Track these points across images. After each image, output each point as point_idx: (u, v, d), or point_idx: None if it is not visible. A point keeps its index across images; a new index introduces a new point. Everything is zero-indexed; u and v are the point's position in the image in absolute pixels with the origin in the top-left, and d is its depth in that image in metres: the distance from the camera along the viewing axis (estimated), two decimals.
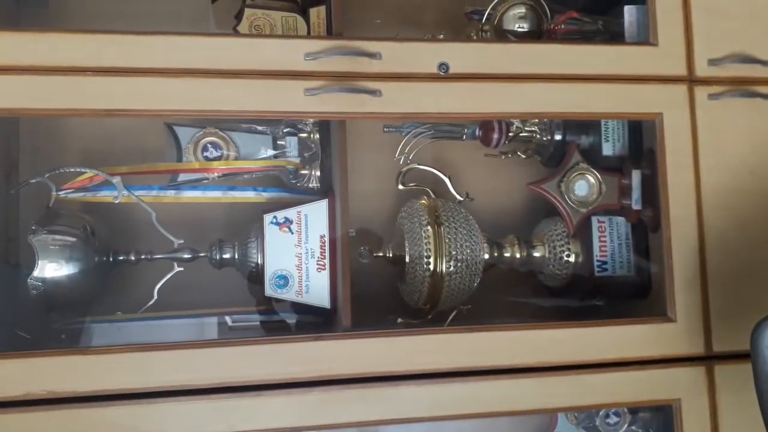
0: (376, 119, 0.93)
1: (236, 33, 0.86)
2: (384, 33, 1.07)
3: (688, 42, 0.93)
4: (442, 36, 1.08)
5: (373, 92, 0.84)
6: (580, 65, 0.90)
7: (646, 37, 0.97)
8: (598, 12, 1.08)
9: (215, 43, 0.81)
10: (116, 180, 0.89)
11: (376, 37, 0.85)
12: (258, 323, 0.96)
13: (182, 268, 0.89)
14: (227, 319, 0.93)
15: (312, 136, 0.95)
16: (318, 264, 0.88)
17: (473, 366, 0.81)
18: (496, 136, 1.04)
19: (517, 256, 1.01)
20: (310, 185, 0.95)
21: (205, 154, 0.91)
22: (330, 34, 0.87)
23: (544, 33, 0.99)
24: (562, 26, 0.99)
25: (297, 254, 0.88)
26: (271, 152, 0.93)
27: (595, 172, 0.97)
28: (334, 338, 0.80)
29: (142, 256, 0.91)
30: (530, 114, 0.95)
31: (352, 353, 0.79)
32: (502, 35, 0.99)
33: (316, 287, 0.87)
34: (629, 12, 0.99)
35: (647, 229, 0.99)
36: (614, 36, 1.02)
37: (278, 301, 0.90)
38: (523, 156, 1.10)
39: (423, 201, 0.99)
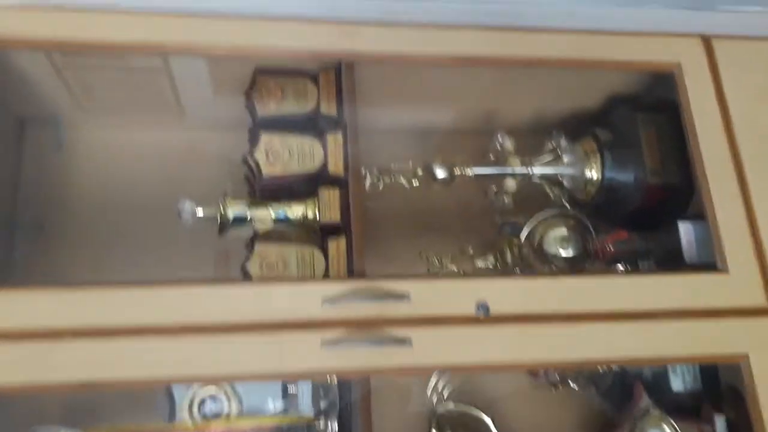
0: (406, 374, 0.79)
1: (245, 279, 0.76)
2: (409, 254, 0.99)
3: (762, 267, 0.81)
4: (471, 252, 0.99)
5: (401, 341, 0.71)
6: (641, 299, 0.77)
7: (707, 256, 0.86)
8: (647, 227, 0.99)
9: (220, 292, 0.71)
10: None
11: (403, 274, 0.75)
12: None
13: None
14: None
15: (329, 380, 0.81)
16: None
17: None
18: None
19: None
20: None
21: (203, 410, 0.77)
22: (351, 271, 0.77)
23: (591, 254, 0.89)
24: (611, 247, 0.88)
25: None
26: (279, 404, 0.79)
27: (671, 420, 0.80)
28: None
29: None
30: (586, 362, 0.80)
31: None
32: (542, 258, 0.89)
33: None
34: (685, 230, 0.88)
35: None
36: (669, 255, 0.91)
37: None
38: (577, 388, 0.94)
39: None
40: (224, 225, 0.79)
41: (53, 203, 1.00)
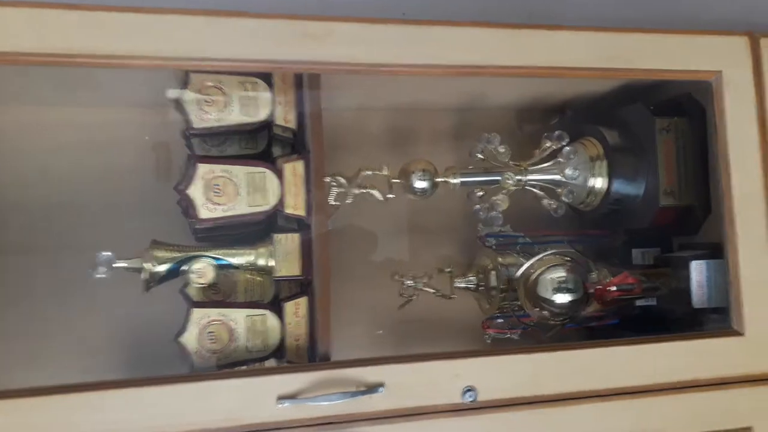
0: None
1: (181, 353, 0.61)
2: (379, 270, 0.85)
3: None
4: (449, 269, 0.86)
5: None
6: (647, 371, 0.68)
7: (717, 300, 0.76)
8: (649, 244, 0.87)
9: (148, 393, 0.56)
10: None
11: (376, 359, 0.61)
12: None
13: None
14: None
15: None
16: None
17: None
18: None
19: None
20: None
21: None
22: (312, 348, 0.63)
23: (591, 297, 0.77)
24: (614, 289, 0.77)
25: None
26: None
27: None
28: None
29: None
30: None
31: None
32: (534, 300, 0.76)
33: None
34: (697, 269, 0.77)
35: None
36: (675, 295, 0.80)
37: None
38: None
39: None
40: (151, 281, 0.63)
41: None
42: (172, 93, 0.70)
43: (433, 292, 0.85)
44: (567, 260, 0.75)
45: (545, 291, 0.75)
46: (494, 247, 0.86)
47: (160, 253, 0.63)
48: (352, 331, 0.79)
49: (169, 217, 0.77)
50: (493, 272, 0.84)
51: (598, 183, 0.85)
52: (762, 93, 0.73)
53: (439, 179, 0.81)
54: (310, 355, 0.63)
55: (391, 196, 0.81)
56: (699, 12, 0.79)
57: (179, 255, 0.63)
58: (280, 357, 0.65)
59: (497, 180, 0.83)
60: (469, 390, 0.63)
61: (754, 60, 0.73)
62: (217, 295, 0.67)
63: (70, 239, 0.79)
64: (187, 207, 0.63)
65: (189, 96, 0.67)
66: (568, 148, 0.83)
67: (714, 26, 0.72)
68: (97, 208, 0.80)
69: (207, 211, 0.62)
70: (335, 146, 0.86)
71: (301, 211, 0.65)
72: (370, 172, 0.80)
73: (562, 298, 0.74)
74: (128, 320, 0.73)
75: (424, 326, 0.87)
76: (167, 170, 0.83)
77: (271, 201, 0.64)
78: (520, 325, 0.82)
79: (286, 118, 0.67)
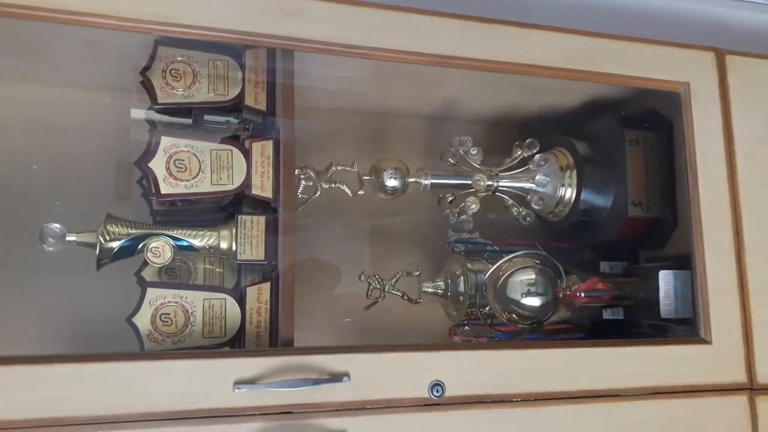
0: None
1: (134, 332, 0.57)
2: (347, 273, 0.82)
3: (747, 339, 0.71)
4: (418, 272, 0.84)
5: None
6: (616, 375, 0.66)
7: (686, 310, 0.76)
8: (616, 257, 0.87)
9: (92, 371, 0.52)
10: None
11: (341, 347, 0.58)
12: None
13: None
14: None
15: None
16: None
17: None
18: None
19: None
20: None
21: None
22: (274, 333, 0.60)
23: (559, 301, 0.76)
24: (582, 295, 0.76)
25: None
26: None
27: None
28: None
29: None
30: None
31: None
32: (503, 303, 0.75)
33: None
34: (665, 279, 0.77)
35: None
36: (643, 305, 0.80)
37: None
38: None
39: None
40: (104, 257, 0.59)
41: None
42: (136, 113, 0.68)
43: (401, 295, 0.83)
44: (537, 263, 0.74)
45: (514, 293, 0.73)
46: (463, 253, 0.85)
47: (115, 228, 0.59)
48: (315, 325, 0.76)
49: (128, 203, 0.74)
50: (462, 278, 0.82)
51: (568, 193, 0.85)
52: (727, 106, 0.76)
53: (411, 179, 0.80)
54: (272, 341, 0.59)
55: (361, 192, 0.79)
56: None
57: (135, 231, 0.59)
58: (238, 345, 0.61)
59: (468, 183, 0.82)
60: (437, 384, 0.60)
61: (720, 74, 0.76)
62: (174, 280, 0.64)
63: (18, 222, 0.74)
64: (148, 183, 0.60)
65: (154, 115, 0.65)
66: (538, 156, 0.83)
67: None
68: (51, 192, 0.76)
69: (168, 186, 0.59)
70: (305, 145, 0.84)
71: (268, 193, 0.62)
72: (340, 167, 0.78)
73: (531, 301, 0.73)
74: (79, 303, 0.68)
75: (389, 332, 0.84)
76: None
77: (237, 180, 0.62)
78: (492, 332, 0.80)
79: (256, 99, 0.65)
